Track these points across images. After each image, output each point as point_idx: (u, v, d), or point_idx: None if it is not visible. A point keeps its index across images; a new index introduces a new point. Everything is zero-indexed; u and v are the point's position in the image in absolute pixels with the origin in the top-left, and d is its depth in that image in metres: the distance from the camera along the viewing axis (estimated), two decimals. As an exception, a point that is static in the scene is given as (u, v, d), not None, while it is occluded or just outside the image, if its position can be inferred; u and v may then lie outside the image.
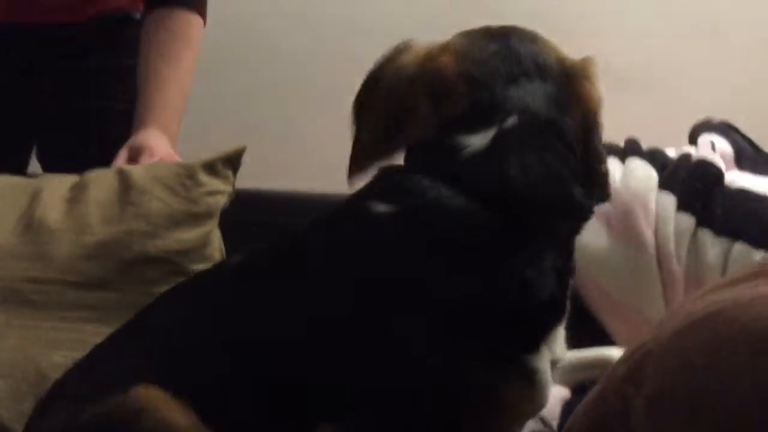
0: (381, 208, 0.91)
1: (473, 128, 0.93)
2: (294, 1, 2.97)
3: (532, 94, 0.95)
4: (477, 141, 0.92)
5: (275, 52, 2.94)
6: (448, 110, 0.95)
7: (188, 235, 1.24)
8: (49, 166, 1.63)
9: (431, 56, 0.99)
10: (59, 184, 1.26)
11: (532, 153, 0.92)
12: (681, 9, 2.75)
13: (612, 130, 1.04)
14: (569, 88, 0.97)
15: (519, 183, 0.90)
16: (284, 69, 2.94)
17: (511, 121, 0.93)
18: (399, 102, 0.98)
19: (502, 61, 0.97)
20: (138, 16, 1.59)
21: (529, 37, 1.01)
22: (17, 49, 1.61)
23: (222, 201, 1.29)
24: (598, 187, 0.99)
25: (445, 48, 0.99)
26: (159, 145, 1.40)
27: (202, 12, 1.56)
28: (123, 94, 1.57)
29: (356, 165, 1.00)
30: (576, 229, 0.96)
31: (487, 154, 0.92)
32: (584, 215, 0.95)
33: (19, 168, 1.60)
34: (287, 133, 2.87)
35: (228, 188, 1.30)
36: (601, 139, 1.00)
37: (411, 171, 0.95)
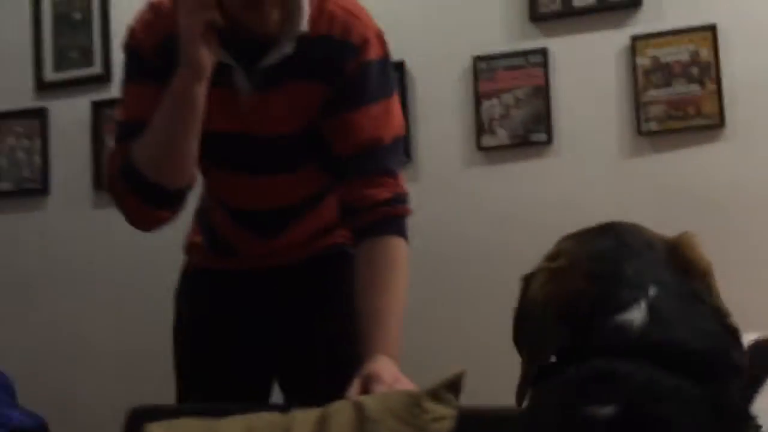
0: (605, 410, 0.93)
1: (622, 308, 0.98)
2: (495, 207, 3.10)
3: (655, 265, 1.02)
4: (636, 315, 0.97)
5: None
6: (584, 317, 1.00)
7: (419, 461, 1.37)
8: (288, 392, 1.88)
9: (552, 272, 1.06)
10: (306, 419, 1.43)
11: (689, 316, 0.98)
12: None
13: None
14: (678, 256, 1.04)
15: (698, 346, 0.96)
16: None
17: (653, 290, 0.99)
18: (540, 330, 1.06)
19: (615, 247, 1.04)
20: (351, 250, 1.78)
21: (630, 226, 1.09)
22: (256, 293, 1.90)
23: (448, 425, 1.41)
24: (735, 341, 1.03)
25: (557, 254, 1.08)
26: (387, 372, 1.56)
27: (404, 234, 1.71)
28: (342, 320, 1.76)
29: (521, 389, 1.08)
30: (739, 386, 0.99)
31: (654, 324, 0.97)
32: (743, 371, 1.00)
33: (264, 397, 1.82)
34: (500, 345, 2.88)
35: (452, 412, 1.42)
36: (718, 296, 1.05)
37: (586, 358, 0.98)
